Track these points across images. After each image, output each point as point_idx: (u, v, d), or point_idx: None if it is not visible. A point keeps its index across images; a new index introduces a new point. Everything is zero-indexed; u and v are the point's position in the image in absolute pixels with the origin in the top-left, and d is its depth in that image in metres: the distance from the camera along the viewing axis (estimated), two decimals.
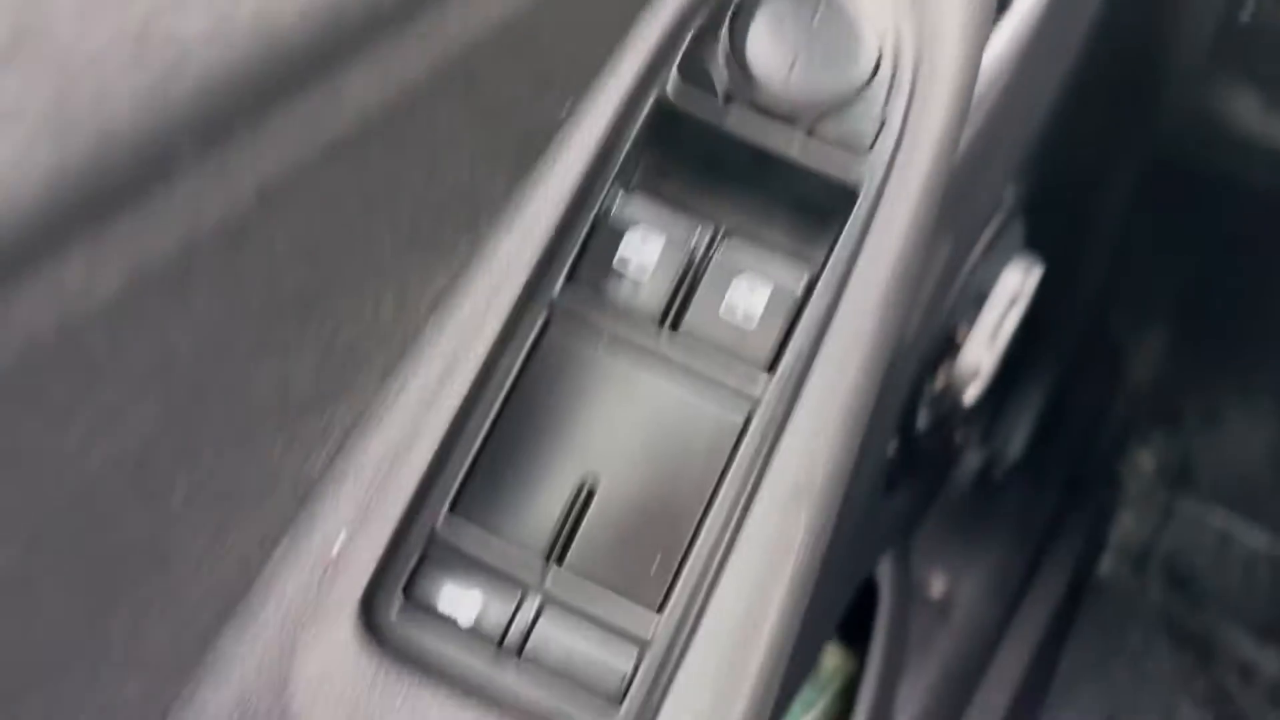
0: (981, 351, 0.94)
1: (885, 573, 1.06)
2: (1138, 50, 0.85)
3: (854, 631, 1.07)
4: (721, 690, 0.38)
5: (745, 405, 0.39)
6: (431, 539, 0.38)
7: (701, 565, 0.38)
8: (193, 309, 0.25)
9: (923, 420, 0.95)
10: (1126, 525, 1.38)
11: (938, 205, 0.41)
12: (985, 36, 0.43)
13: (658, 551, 0.38)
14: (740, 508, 0.38)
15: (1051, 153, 0.90)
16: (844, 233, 0.39)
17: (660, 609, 0.38)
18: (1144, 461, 1.39)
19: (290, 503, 0.35)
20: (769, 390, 0.39)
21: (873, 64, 0.39)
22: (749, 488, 0.38)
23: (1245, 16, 0.78)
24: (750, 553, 0.38)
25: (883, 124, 0.39)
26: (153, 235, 0.23)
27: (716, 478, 0.39)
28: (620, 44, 0.38)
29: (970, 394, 0.95)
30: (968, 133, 0.62)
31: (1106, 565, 1.36)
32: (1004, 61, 0.62)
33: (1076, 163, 0.97)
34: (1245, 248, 1.15)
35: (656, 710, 0.38)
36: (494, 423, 0.39)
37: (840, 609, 0.96)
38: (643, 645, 0.38)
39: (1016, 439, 1.27)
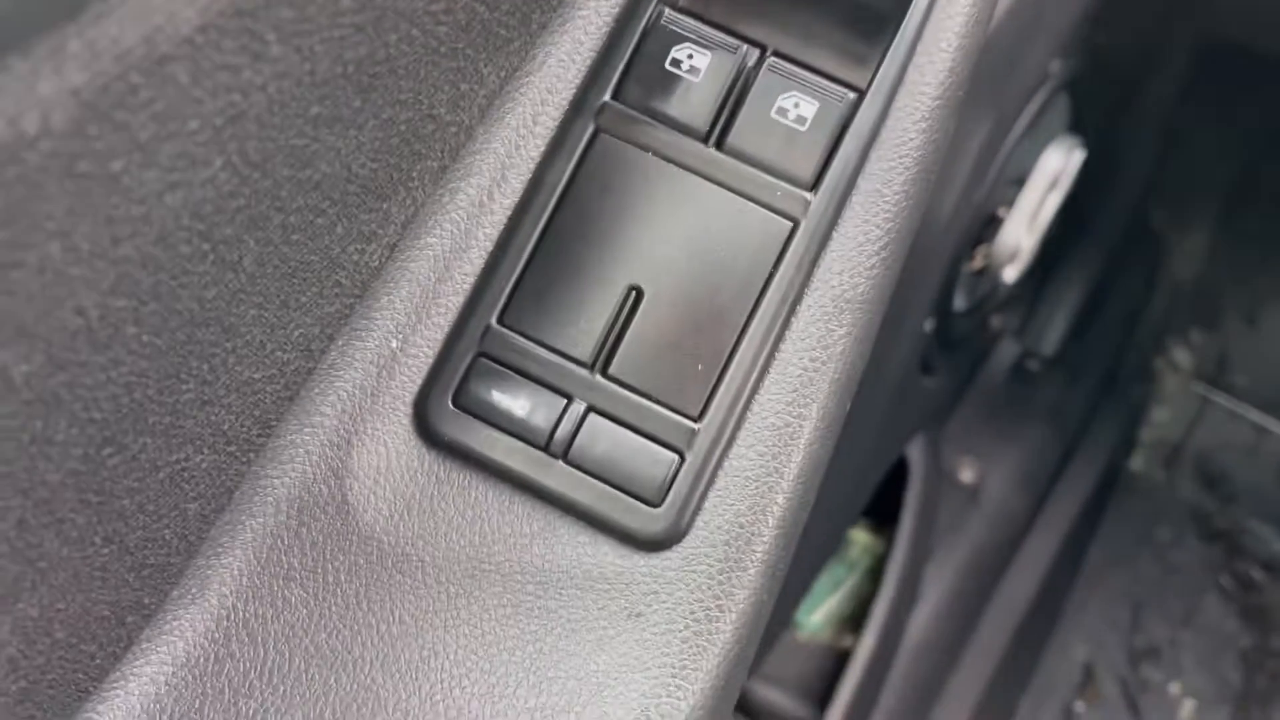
0: (1020, 232, 0.93)
1: (916, 455, 1.07)
2: None
3: (884, 515, 1.09)
4: (759, 493, 0.39)
5: (791, 217, 0.40)
6: (481, 346, 0.39)
7: (742, 373, 0.39)
8: (265, 57, 0.26)
9: (960, 300, 0.95)
10: (1160, 421, 1.38)
11: (986, 24, 0.41)
12: None
13: (699, 360, 0.40)
14: (783, 317, 0.39)
15: (1099, 28, 0.88)
16: (892, 47, 0.40)
17: (701, 416, 0.39)
18: (1180, 359, 1.39)
19: (350, 291, 0.36)
20: (815, 202, 0.39)
21: None
22: (792, 297, 0.39)
23: None
24: (792, 360, 0.39)
25: None
26: None
27: (760, 289, 0.39)
28: None
29: (1009, 274, 0.95)
30: (1007, 2, 0.61)
31: (1138, 461, 1.37)
32: None
33: (1125, 40, 0.96)
34: None
35: (695, 512, 0.39)
36: (543, 232, 0.40)
37: (874, 482, 0.97)
38: (683, 450, 0.39)
39: (1053, 332, 1.27)
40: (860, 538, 1.10)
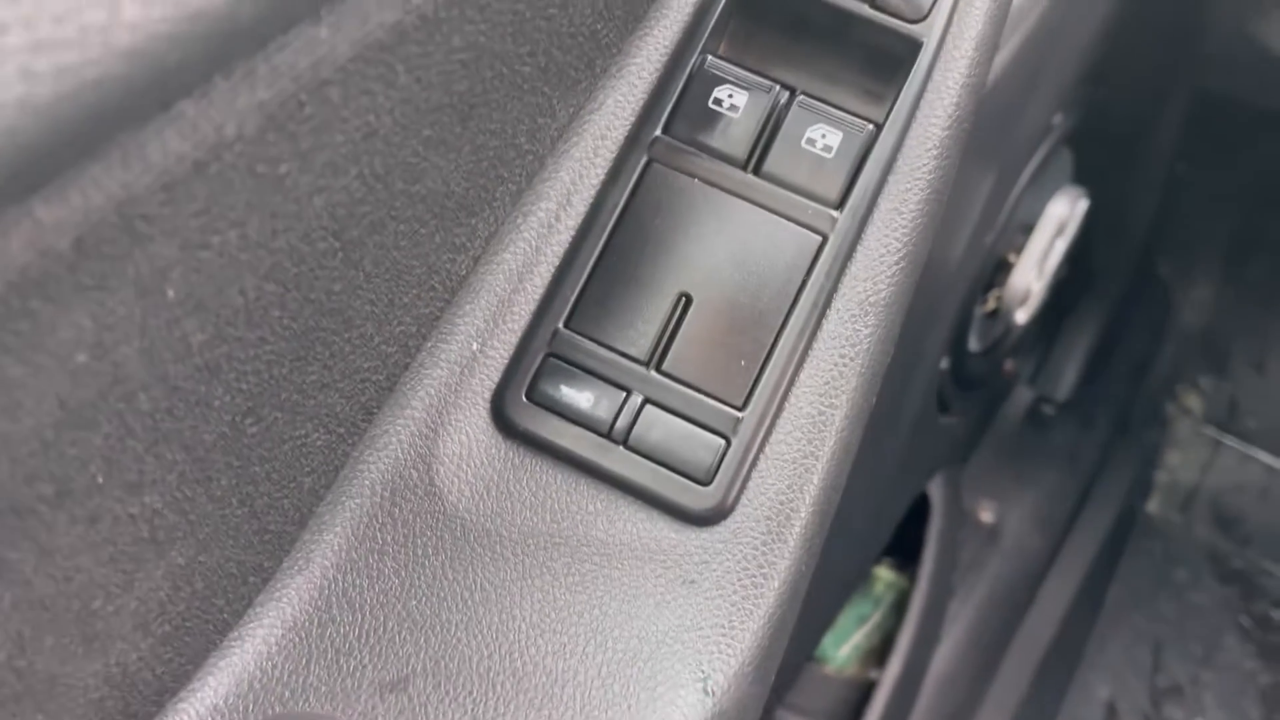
0: (1030, 275, 0.99)
1: (938, 493, 1.11)
2: None
3: (907, 553, 1.13)
4: (797, 474, 0.45)
5: (820, 233, 0.45)
6: (550, 348, 0.45)
7: (780, 368, 0.45)
8: (395, 84, 0.32)
9: (974, 342, 1.01)
10: (1173, 465, 1.42)
11: (988, 64, 0.47)
12: None
13: (742, 357, 0.45)
14: (815, 319, 0.45)
15: (1099, 84, 0.95)
16: (907, 83, 0.46)
17: (744, 406, 0.45)
18: (1191, 403, 1.43)
19: (442, 296, 0.42)
20: (841, 219, 0.45)
21: None
22: (823, 302, 0.45)
23: None
24: (823, 356, 0.45)
25: None
26: (375, 12, 0.30)
27: (794, 295, 0.45)
28: None
29: (1020, 316, 1.00)
30: (1009, 52, 0.68)
31: (1153, 503, 1.40)
32: None
33: (1124, 95, 1.02)
34: None
35: (741, 490, 0.44)
36: (603, 248, 0.46)
37: (896, 518, 1.02)
38: (728, 435, 0.45)
39: (1067, 378, 1.32)
40: (884, 574, 1.14)
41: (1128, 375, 1.37)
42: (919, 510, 1.11)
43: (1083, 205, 1.03)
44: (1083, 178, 1.06)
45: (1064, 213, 1.01)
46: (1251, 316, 1.42)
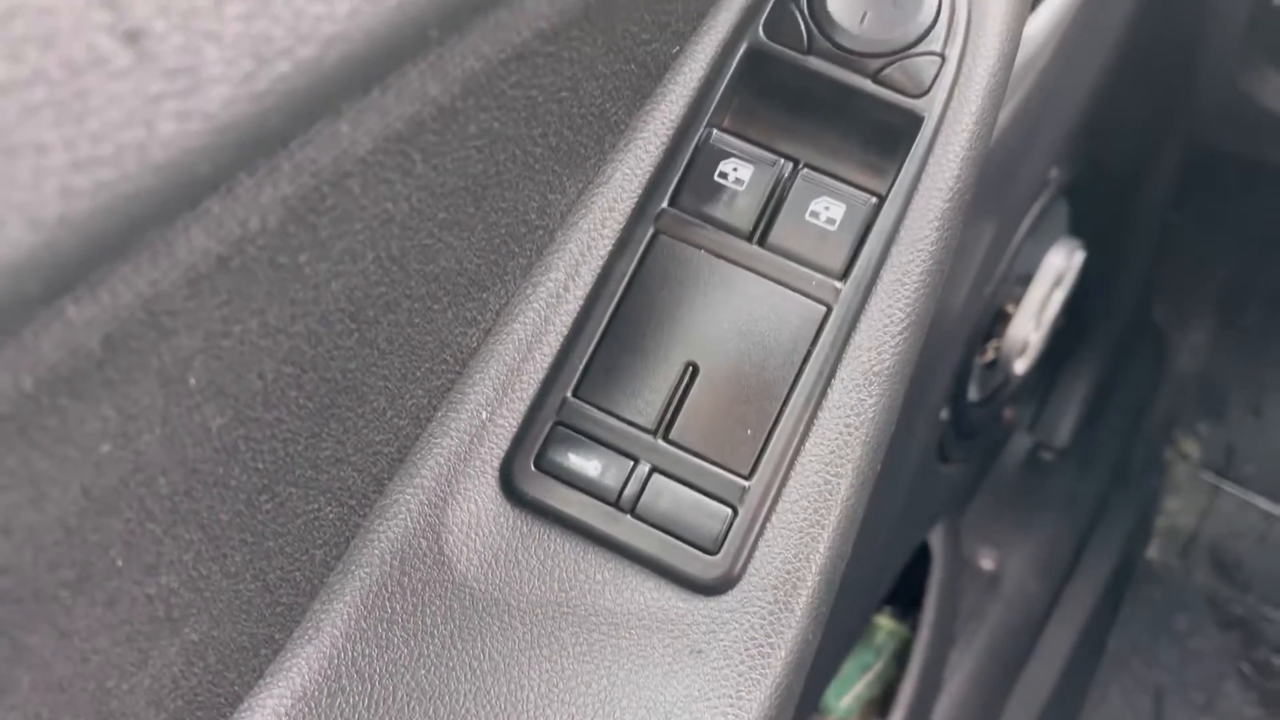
0: (1028, 326, 1.00)
1: (938, 542, 1.11)
2: (1174, 37, 0.91)
3: (908, 601, 1.13)
4: (803, 543, 0.45)
5: (824, 303, 0.46)
6: (559, 416, 0.46)
7: (786, 437, 0.45)
8: (412, 173, 0.33)
9: (974, 392, 1.02)
10: (1172, 511, 1.42)
11: (988, 138, 0.48)
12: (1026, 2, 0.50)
13: (748, 426, 0.46)
14: (820, 388, 0.45)
15: (1094, 138, 0.96)
16: (909, 157, 0.47)
17: (751, 475, 0.45)
18: (1189, 449, 1.44)
19: (453, 368, 0.43)
20: (845, 290, 0.46)
21: (933, 15, 0.47)
22: (828, 371, 0.46)
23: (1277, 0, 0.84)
24: (828, 426, 0.45)
25: (942, 62, 0.46)
26: (394, 106, 0.30)
27: (799, 365, 0.46)
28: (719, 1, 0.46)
29: (1019, 366, 1.01)
30: (1008, 112, 0.69)
31: (1153, 550, 1.40)
32: (1041, 43, 0.69)
33: (1119, 149, 1.04)
34: None
35: (748, 559, 0.45)
36: (611, 318, 0.46)
37: (897, 567, 1.02)
38: (735, 505, 0.45)
39: (1065, 424, 1.33)
40: (885, 624, 1.14)
41: (1125, 421, 1.38)
42: (920, 558, 1.11)
43: (1079, 256, 1.04)
44: (1079, 228, 1.08)
45: (1061, 264, 1.02)
46: (1247, 362, 1.43)
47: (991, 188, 0.76)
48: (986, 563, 1.22)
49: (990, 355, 1.02)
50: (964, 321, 0.86)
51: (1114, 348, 1.33)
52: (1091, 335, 1.30)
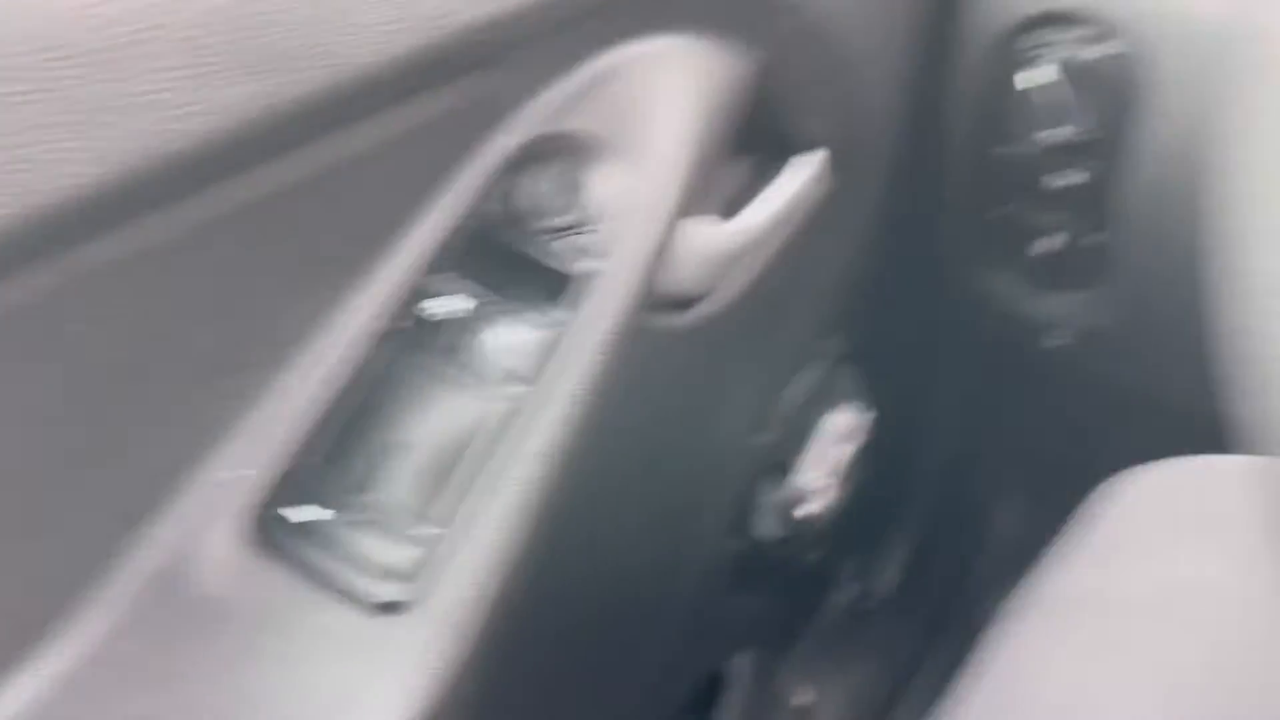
0: (812, 475, 1.14)
1: (738, 671, 1.22)
2: (916, 235, 1.09)
3: None
4: (480, 574, 0.60)
5: (509, 402, 0.63)
6: (290, 475, 0.61)
7: (469, 496, 0.61)
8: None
9: (767, 528, 1.15)
10: None
11: (636, 300, 0.66)
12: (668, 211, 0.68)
13: (440, 483, 0.61)
14: (499, 463, 0.61)
15: (870, 311, 1.12)
16: (568, 302, 0.64)
17: (442, 523, 0.60)
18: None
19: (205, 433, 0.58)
20: (525, 394, 0.63)
21: (592, 209, 0.65)
22: (505, 451, 0.62)
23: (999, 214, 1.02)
24: (502, 489, 0.61)
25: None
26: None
27: (488, 444, 0.62)
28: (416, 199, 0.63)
29: (804, 510, 1.14)
30: (747, 278, 0.84)
31: None
32: (768, 231, 0.85)
33: (899, 325, 1.19)
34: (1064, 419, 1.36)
35: (434, 585, 0.59)
36: (335, 399, 0.62)
37: (676, 690, 1.11)
38: (428, 546, 0.60)
39: (887, 576, 1.46)
40: None
41: (946, 579, 1.51)
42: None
43: (867, 417, 1.18)
44: (876, 395, 1.21)
45: (845, 423, 1.16)
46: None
47: (740, 344, 0.91)
48: (801, 698, 1.33)
49: (783, 496, 1.16)
50: (731, 462, 1.01)
51: (932, 513, 1.47)
52: (909, 498, 1.45)
